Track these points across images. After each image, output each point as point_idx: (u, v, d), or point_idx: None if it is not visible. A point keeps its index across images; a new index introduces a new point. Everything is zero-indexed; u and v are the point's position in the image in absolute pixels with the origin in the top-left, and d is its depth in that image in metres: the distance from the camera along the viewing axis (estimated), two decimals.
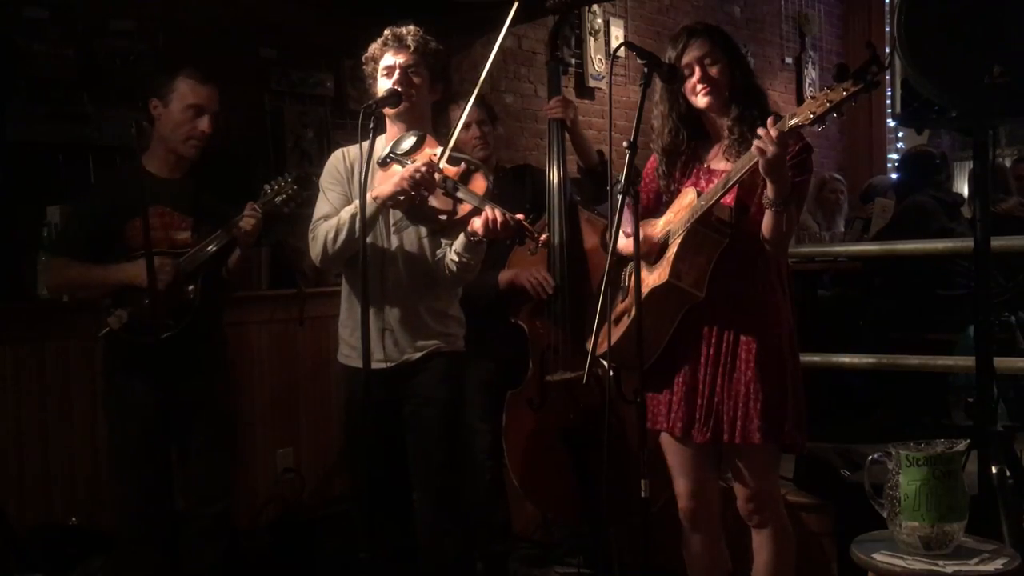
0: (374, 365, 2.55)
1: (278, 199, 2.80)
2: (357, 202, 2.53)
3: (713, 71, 2.37)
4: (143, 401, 2.70)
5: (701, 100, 2.40)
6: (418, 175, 2.39)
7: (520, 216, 2.37)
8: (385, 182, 2.46)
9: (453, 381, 2.66)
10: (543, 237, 2.37)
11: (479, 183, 2.47)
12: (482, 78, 2.62)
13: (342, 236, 2.53)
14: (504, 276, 3.13)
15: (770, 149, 2.10)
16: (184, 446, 2.79)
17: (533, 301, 3.08)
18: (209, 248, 2.71)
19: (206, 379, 2.81)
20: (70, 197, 3.12)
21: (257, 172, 3.87)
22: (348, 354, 2.70)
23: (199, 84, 2.75)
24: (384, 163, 2.52)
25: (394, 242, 2.60)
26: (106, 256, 2.70)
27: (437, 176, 2.44)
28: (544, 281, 3.06)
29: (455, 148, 2.58)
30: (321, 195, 2.66)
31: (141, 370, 2.69)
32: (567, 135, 3.20)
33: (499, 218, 2.35)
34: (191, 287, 2.70)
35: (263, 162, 4.02)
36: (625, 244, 2.34)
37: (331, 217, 2.58)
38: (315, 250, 2.60)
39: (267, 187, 2.80)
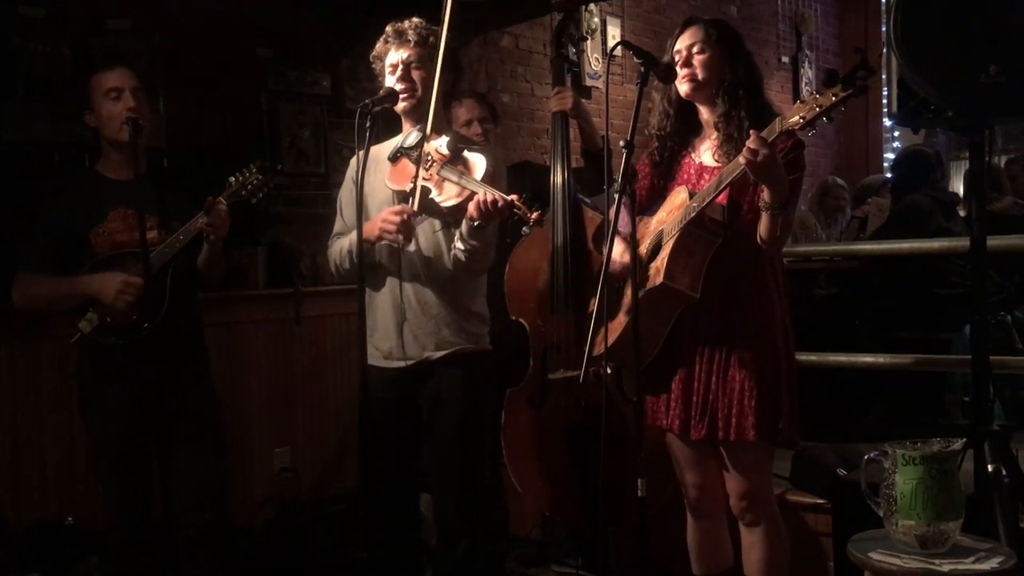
0: (393, 364, 2.58)
1: (244, 191, 2.73)
2: (351, 235, 2.56)
3: (697, 60, 2.37)
4: (121, 406, 2.65)
5: (682, 87, 2.40)
6: (394, 222, 2.45)
7: (514, 196, 2.36)
8: (369, 226, 2.46)
9: (475, 382, 2.61)
10: (534, 215, 2.36)
11: (476, 167, 2.47)
12: (443, 35, 2.52)
13: (346, 264, 2.62)
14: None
15: (756, 158, 2.09)
16: (167, 451, 2.66)
17: (536, 300, 3.07)
18: (175, 244, 2.65)
19: (185, 382, 2.73)
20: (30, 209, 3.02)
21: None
22: (370, 352, 2.64)
23: (107, 71, 2.71)
24: (394, 158, 2.54)
25: None
26: (73, 266, 2.65)
27: (435, 165, 2.45)
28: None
29: (460, 139, 2.58)
30: (338, 209, 2.70)
31: (116, 375, 2.65)
32: (577, 124, 3.20)
33: (491, 198, 2.35)
34: (160, 284, 2.63)
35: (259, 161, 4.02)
36: (619, 261, 2.36)
37: (343, 236, 2.64)
38: (332, 268, 2.70)
39: (232, 179, 2.74)
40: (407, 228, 2.46)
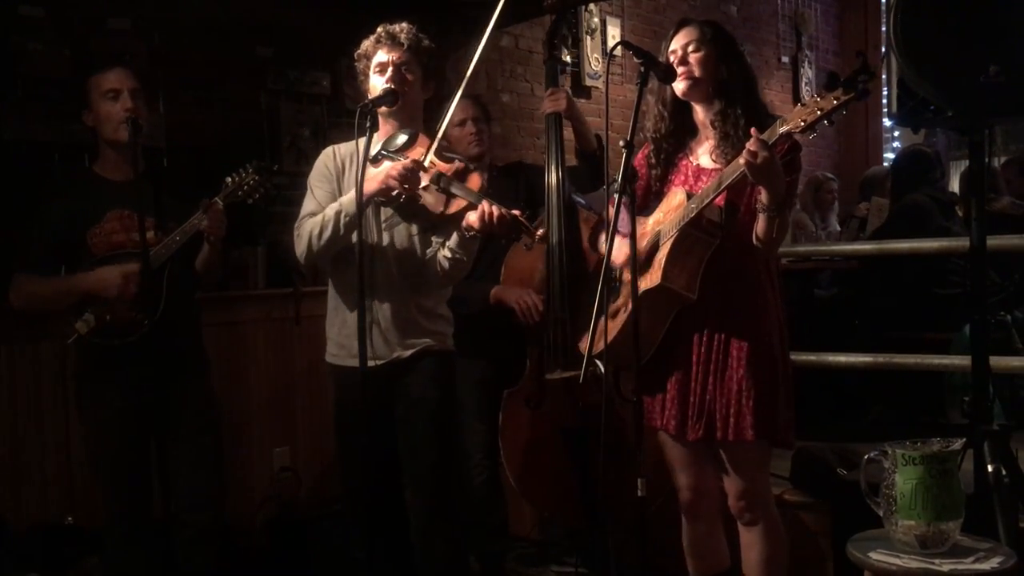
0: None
1: (240, 191, 2.73)
2: (342, 199, 2.55)
3: (693, 58, 2.38)
4: (119, 407, 2.64)
5: (678, 85, 2.40)
6: (402, 171, 2.40)
7: (516, 212, 2.37)
8: (371, 179, 2.45)
9: (443, 380, 2.64)
10: (540, 232, 2.37)
11: (474, 180, 2.49)
12: (468, 73, 2.60)
13: (326, 234, 2.52)
14: (496, 293, 3.12)
15: (756, 160, 2.09)
16: (165, 451, 2.67)
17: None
18: (172, 245, 2.64)
19: (183, 382, 2.72)
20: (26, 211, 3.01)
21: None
22: (336, 352, 2.67)
23: (105, 72, 2.71)
24: (376, 160, 2.52)
25: (384, 239, 2.58)
26: (71, 267, 2.64)
27: (430, 172, 2.45)
28: (533, 306, 3.03)
29: (449, 148, 2.57)
30: (308, 193, 2.65)
31: (114, 375, 2.64)
32: (571, 125, 3.20)
33: (495, 212, 2.35)
34: (157, 285, 2.62)
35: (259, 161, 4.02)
36: (619, 254, 2.35)
37: (317, 215, 2.57)
38: (299, 247, 2.59)
39: (228, 179, 2.74)
40: (412, 180, 2.42)
